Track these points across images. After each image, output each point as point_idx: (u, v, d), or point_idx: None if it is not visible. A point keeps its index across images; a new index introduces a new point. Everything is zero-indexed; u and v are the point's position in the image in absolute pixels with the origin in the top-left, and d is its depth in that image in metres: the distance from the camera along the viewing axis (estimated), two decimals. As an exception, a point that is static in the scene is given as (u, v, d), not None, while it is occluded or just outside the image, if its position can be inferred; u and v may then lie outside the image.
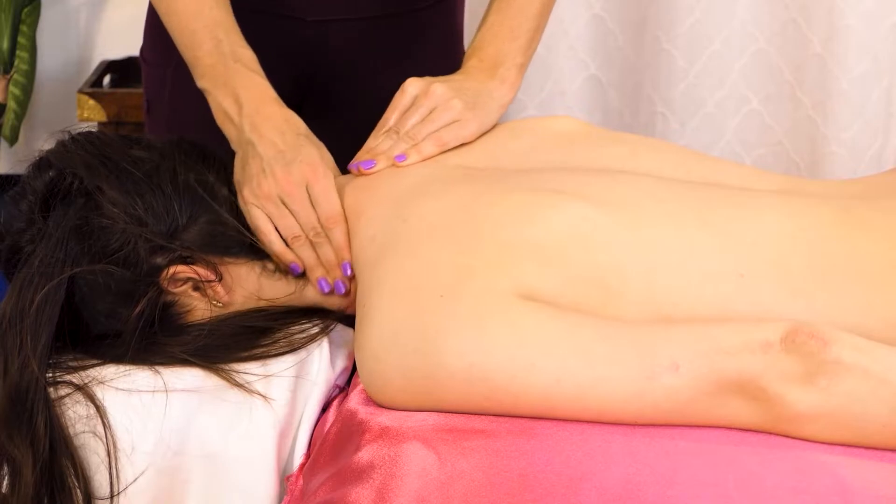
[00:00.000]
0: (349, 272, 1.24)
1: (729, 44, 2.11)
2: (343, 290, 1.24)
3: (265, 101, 1.29)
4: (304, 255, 1.24)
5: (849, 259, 1.13)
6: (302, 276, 1.25)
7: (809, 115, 2.11)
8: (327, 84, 1.56)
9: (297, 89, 1.55)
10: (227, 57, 1.31)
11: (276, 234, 1.23)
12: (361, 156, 1.30)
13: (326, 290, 1.24)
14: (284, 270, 1.25)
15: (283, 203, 1.23)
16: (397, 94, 1.32)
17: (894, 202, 1.19)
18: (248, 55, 1.32)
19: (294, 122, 1.28)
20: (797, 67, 2.10)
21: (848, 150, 2.10)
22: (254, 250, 1.24)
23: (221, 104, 1.29)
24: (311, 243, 1.23)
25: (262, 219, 1.23)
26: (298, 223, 1.23)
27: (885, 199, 1.20)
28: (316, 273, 1.24)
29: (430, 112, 1.30)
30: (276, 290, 1.25)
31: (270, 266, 1.25)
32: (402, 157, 1.27)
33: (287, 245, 1.23)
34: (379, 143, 1.30)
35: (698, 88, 2.13)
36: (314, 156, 1.25)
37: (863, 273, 1.12)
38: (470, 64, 1.38)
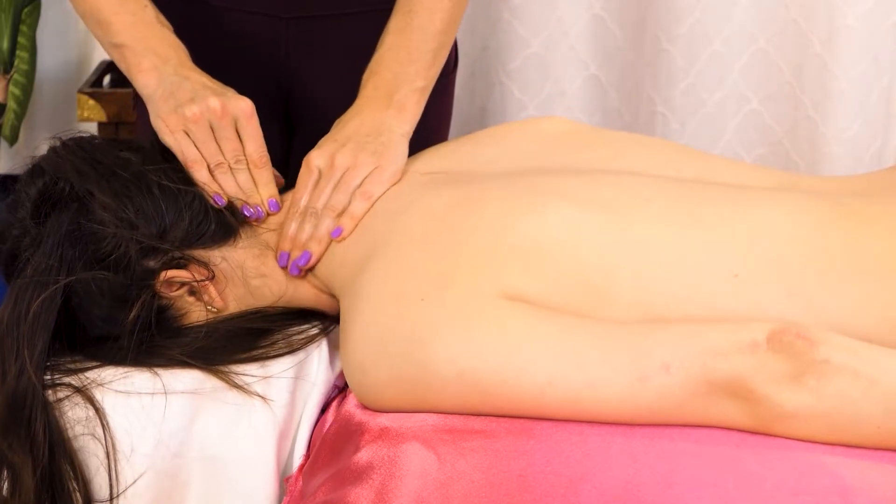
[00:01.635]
0: (275, 208, 1.25)
1: (729, 44, 2.11)
2: (262, 215, 1.25)
3: (189, 60, 1.31)
4: (225, 183, 1.24)
5: (847, 257, 1.12)
6: (216, 220, 1.23)
7: (809, 115, 2.11)
8: (310, 85, 1.55)
9: (278, 95, 1.55)
10: (153, 20, 1.32)
11: (204, 162, 1.23)
12: (288, 248, 1.24)
13: (249, 213, 1.24)
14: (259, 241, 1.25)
15: (212, 129, 1.24)
16: (302, 172, 1.27)
17: (893, 199, 1.19)
18: (169, 25, 1.33)
19: (220, 83, 1.29)
20: (797, 67, 2.10)
21: (848, 150, 2.10)
22: (225, 228, 1.23)
23: (144, 54, 1.29)
24: (232, 171, 1.24)
25: (190, 145, 1.24)
26: (221, 151, 1.24)
27: (884, 195, 1.20)
28: (237, 200, 1.24)
29: (341, 179, 1.25)
30: (262, 268, 1.25)
31: (243, 242, 1.24)
32: (337, 230, 1.23)
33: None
34: (300, 229, 1.24)
35: (698, 88, 2.13)
36: (247, 99, 1.26)
37: (861, 271, 1.11)
38: (365, 92, 1.33)
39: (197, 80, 1.27)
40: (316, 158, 1.27)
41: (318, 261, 1.23)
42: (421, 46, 1.35)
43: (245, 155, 1.25)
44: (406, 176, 1.28)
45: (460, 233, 1.13)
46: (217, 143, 1.25)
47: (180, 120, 1.24)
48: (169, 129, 1.24)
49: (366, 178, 1.25)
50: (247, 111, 1.25)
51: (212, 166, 1.24)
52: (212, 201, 1.23)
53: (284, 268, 1.24)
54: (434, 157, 1.33)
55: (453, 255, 1.11)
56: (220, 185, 1.24)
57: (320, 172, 1.26)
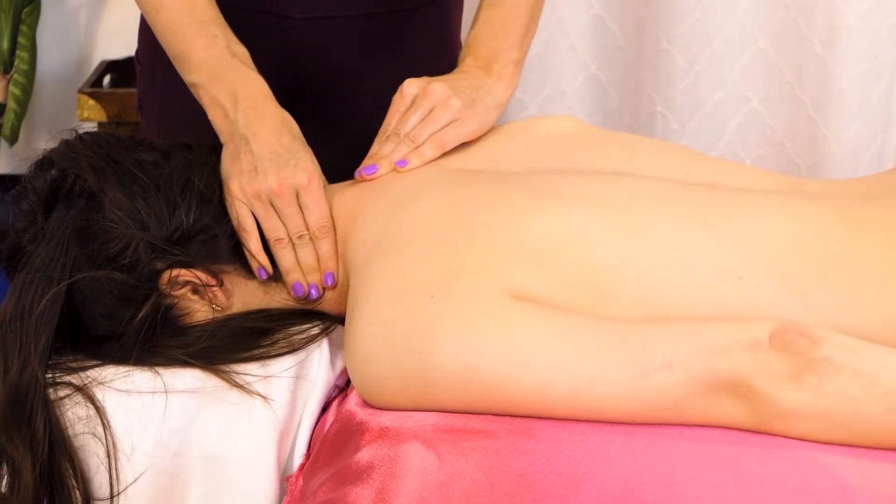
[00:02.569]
0: (331, 282, 1.24)
1: (729, 44, 2.11)
2: (317, 295, 1.24)
3: (262, 98, 1.28)
4: (284, 258, 1.23)
5: (849, 259, 1.12)
6: (271, 279, 1.24)
7: (809, 115, 2.11)
8: (318, 85, 1.55)
9: (287, 91, 1.55)
10: (223, 52, 1.30)
11: (258, 234, 1.22)
12: (365, 161, 1.29)
13: (300, 293, 1.24)
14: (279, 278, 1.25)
15: (272, 204, 1.22)
16: (396, 96, 1.32)
17: (894, 202, 1.19)
18: (243, 52, 1.32)
19: (290, 124, 1.27)
20: (797, 67, 2.10)
21: (848, 150, 2.10)
22: (242, 260, 1.23)
23: (216, 97, 1.27)
24: (293, 247, 1.23)
25: (248, 216, 1.23)
26: (284, 226, 1.23)
27: (886, 198, 1.20)
28: (293, 276, 1.24)
29: (430, 111, 1.29)
30: (276, 298, 1.25)
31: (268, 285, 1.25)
32: (403, 162, 1.27)
33: (264, 248, 1.23)
34: (381, 148, 1.29)
35: (698, 88, 2.13)
36: (309, 162, 1.24)
37: (863, 273, 1.12)
38: (466, 63, 1.37)
39: (263, 140, 1.24)
40: (410, 86, 1.31)
41: (377, 177, 1.26)
42: (514, 21, 1.38)
43: (307, 228, 1.24)
44: (435, 170, 1.29)
45: (470, 230, 1.13)
46: (279, 218, 1.23)
47: (239, 191, 1.23)
48: (230, 194, 1.23)
49: (447, 127, 1.28)
50: (304, 183, 1.23)
51: (271, 242, 1.23)
52: (255, 273, 1.23)
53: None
54: (459, 153, 1.34)
55: (462, 252, 1.11)
56: (278, 261, 1.23)
57: (413, 100, 1.30)
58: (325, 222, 1.24)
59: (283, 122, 1.27)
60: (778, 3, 2.09)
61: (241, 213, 1.23)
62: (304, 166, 1.23)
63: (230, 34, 1.32)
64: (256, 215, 1.23)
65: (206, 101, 1.29)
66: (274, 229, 1.23)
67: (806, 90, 2.11)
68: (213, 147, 1.28)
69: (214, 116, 1.28)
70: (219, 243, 1.22)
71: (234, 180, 1.23)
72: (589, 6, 2.15)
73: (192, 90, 1.30)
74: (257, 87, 1.29)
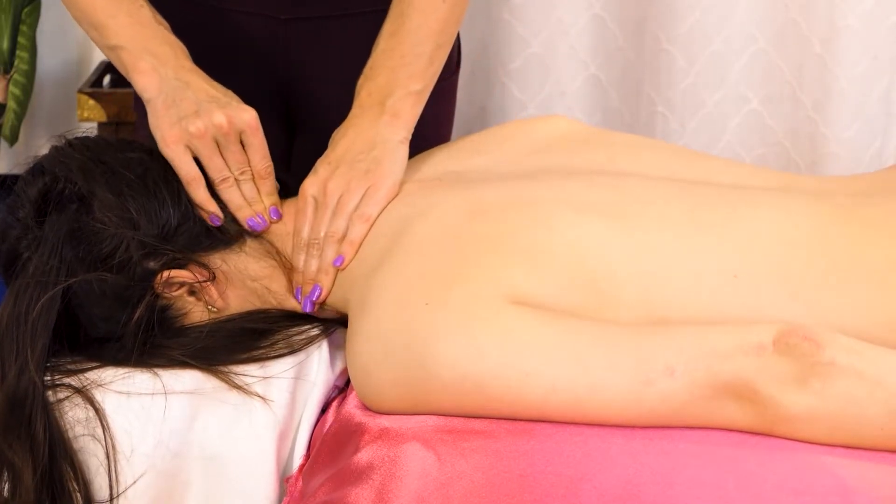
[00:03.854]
0: (277, 216, 1.25)
1: (729, 44, 2.11)
2: (263, 224, 1.24)
3: (188, 60, 1.28)
4: (233, 196, 1.24)
5: (848, 258, 1.12)
6: (219, 230, 1.23)
7: (809, 115, 2.11)
8: (310, 86, 1.54)
9: (278, 95, 1.54)
10: (149, 20, 1.29)
11: (203, 179, 1.22)
12: (300, 283, 1.24)
13: (260, 226, 1.24)
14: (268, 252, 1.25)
15: (216, 143, 1.22)
16: (300, 203, 1.26)
17: (893, 199, 1.19)
18: (167, 24, 1.31)
19: (219, 84, 1.27)
20: (797, 67, 2.10)
21: (848, 150, 2.10)
22: (227, 236, 1.23)
23: (141, 57, 1.26)
24: (237, 183, 1.24)
25: (190, 163, 1.22)
26: (227, 165, 1.23)
27: (885, 195, 1.20)
28: (245, 212, 1.24)
29: (337, 204, 1.24)
30: (271, 293, 1.25)
31: (246, 248, 1.24)
32: (339, 259, 1.22)
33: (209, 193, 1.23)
34: (308, 262, 1.24)
35: (698, 88, 2.13)
36: (248, 106, 1.25)
37: (863, 272, 1.11)
38: (359, 100, 1.31)
39: (199, 86, 1.25)
40: (310, 188, 1.26)
41: (329, 292, 1.23)
42: (415, 49, 1.32)
43: (250, 167, 1.25)
44: (412, 179, 1.27)
45: (466, 238, 1.13)
46: (222, 156, 1.24)
47: (183, 134, 1.22)
48: (169, 142, 1.22)
49: (361, 199, 1.24)
50: (252, 123, 1.24)
51: (217, 182, 1.23)
52: (208, 220, 1.23)
53: (299, 302, 1.25)
54: (439, 158, 1.33)
55: (458, 260, 1.11)
56: (225, 199, 1.24)
57: (316, 201, 1.25)
58: (269, 162, 1.25)
59: (213, 80, 1.27)
60: (778, 3, 2.09)
61: (184, 161, 1.22)
62: (247, 107, 1.24)
63: (153, 8, 1.31)
64: (201, 156, 1.22)
65: (128, 61, 1.26)
66: (220, 168, 1.23)
67: (806, 90, 2.11)
68: None
69: (140, 74, 1.25)
70: (197, 228, 1.23)
71: (174, 126, 1.22)
72: (589, 6, 2.15)
73: (112, 54, 1.28)
74: (183, 51, 1.28)
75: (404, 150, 1.29)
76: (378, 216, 1.23)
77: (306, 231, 1.25)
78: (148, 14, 1.30)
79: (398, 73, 1.30)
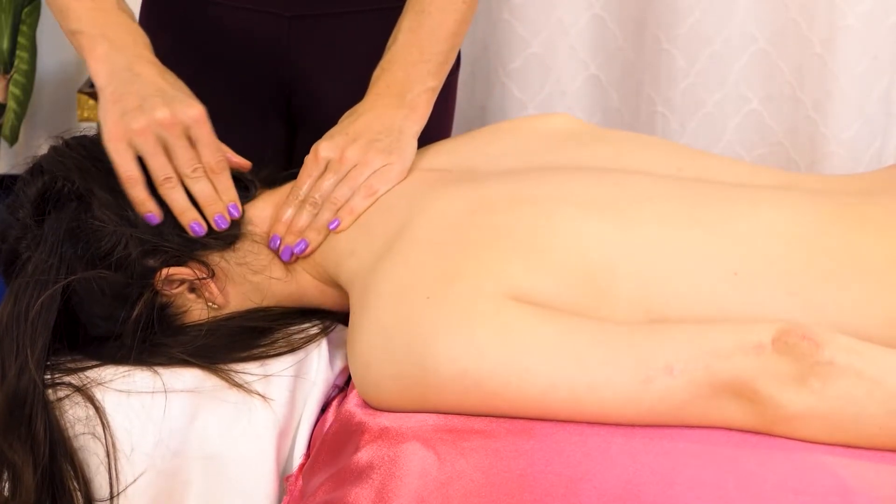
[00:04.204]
0: (237, 213, 1.22)
1: (729, 44, 2.10)
2: (225, 225, 1.21)
3: (146, 48, 1.25)
4: (177, 198, 1.20)
5: (847, 256, 1.12)
6: (157, 228, 1.19)
7: (809, 115, 2.11)
8: (313, 83, 1.54)
9: (280, 92, 1.54)
10: (112, 5, 1.26)
11: (142, 178, 1.18)
12: (282, 233, 1.24)
13: (200, 232, 1.20)
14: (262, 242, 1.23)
15: (160, 140, 1.18)
16: (309, 159, 1.27)
17: (893, 198, 1.19)
18: (131, 12, 1.28)
19: (172, 73, 1.24)
20: (797, 67, 2.10)
21: (848, 150, 2.10)
22: (224, 238, 1.22)
23: (98, 41, 1.23)
24: (184, 184, 1.20)
25: (131, 160, 1.18)
26: (174, 163, 1.19)
27: (885, 195, 1.20)
28: (189, 215, 1.20)
29: (348, 174, 1.25)
30: (270, 289, 1.25)
31: (238, 244, 1.23)
32: (335, 222, 1.23)
33: (149, 191, 1.19)
34: (297, 216, 1.24)
35: (698, 88, 2.13)
36: (196, 100, 1.21)
37: (861, 270, 1.11)
38: (377, 89, 1.33)
39: (149, 79, 1.21)
40: (325, 150, 1.26)
41: (314, 251, 1.23)
42: (433, 47, 1.34)
43: (202, 163, 1.21)
44: (414, 172, 1.28)
45: (468, 233, 1.13)
46: (168, 155, 1.20)
47: (125, 131, 1.18)
48: (111, 138, 1.18)
49: (372, 174, 1.24)
50: (198, 118, 1.20)
51: (158, 182, 1.19)
52: (190, 232, 1.20)
53: (276, 251, 1.24)
54: (442, 154, 1.33)
55: (460, 254, 1.11)
56: (168, 202, 1.19)
57: (328, 164, 1.26)
58: (221, 156, 1.22)
59: (167, 71, 1.24)
60: (778, 3, 2.09)
61: (125, 159, 1.18)
62: (193, 102, 1.21)
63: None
64: (142, 153, 1.18)
65: (85, 44, 1.23)
66: (162, 167, 1.19)
67: (806, 90, 2.10)
68: None
69: (94, 60, 1.22)
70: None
71: (117, 122, 1.18)
72: (589, 6, 2.14)
73: (73, 39, 1.26)
74: (143, 39, 1.26)
75: (416, 144, 1.30)
76: (382, 195, 1.23)
77: (306, 188, 1.25)
78: (112, 1, 1.27)
79: (417, 69, 1.32)
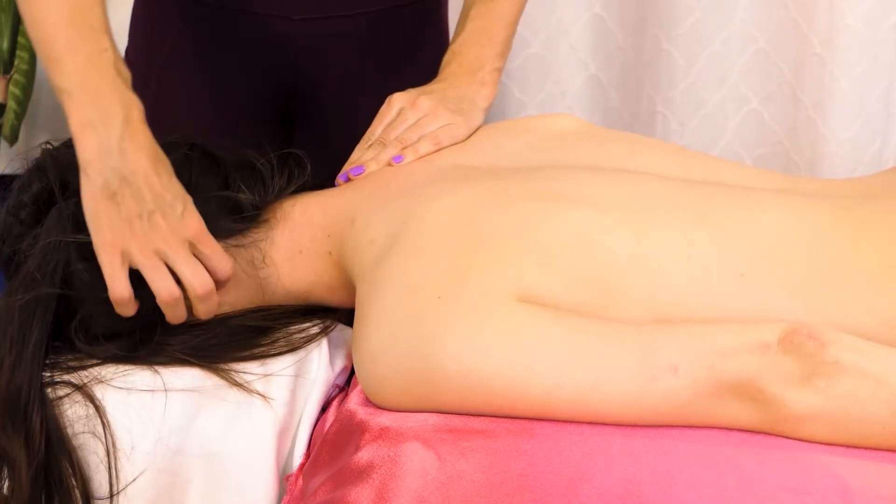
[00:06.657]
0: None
1: (729, 44, 2.11)
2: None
3: (140, 124, 1.16)
4: (177, 315, 1.18)
5: (849, 259, 1.12)
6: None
7: (809, 115, 2.11)
8: (314, 87, 1.55)
9: (281, 93, 1.55)
10: (109, 67, 1.15)
11: (134, 302, 1.15)
12: (349, 165, 1.31)
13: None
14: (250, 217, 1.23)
15: (165, 260, 1.14)
16: (383, 108, 1.35)
17: (893, 201, 1.19)
18: (128, 75, 1.19)
19: (164, 158, 1.17)
20: (797, 67, 2.10)
21: (848, 151, 2.10)
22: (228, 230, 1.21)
23: (85, 110, 1.13)
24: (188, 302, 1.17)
25: (122, 278, 1.13)
26: (185, 282, 1.16)
27: (886, 198, 1.20)
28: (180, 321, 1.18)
29: (418, 121, 1.33)
30: (271, 290, 1.25)
31: (243, 240, 1.23)
32: (399, 157, 1.29)
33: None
34: (365, 153, 1.31)
35: (698, 88, 2.13)
36: (192, 205, 1.17)
37: (863, 273, 1.12)
38: (449, 69, 1.42)
39: (141, 173, 1.13)
40: (399, 99, 1.35)
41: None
42: (500, 33, 1.44)
43: (212, 277, 1.18)
44: (436, 163, 1.30)
45: (482, 230, 1.13)
46: (176, 274, 1.16)
47: (121, 240, 1.12)
48: (105, 246, 1.12)
49: (439, 128, 1.32)
50: (198, 236, 1.16)
51: (164, 300, 1.15)
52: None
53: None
54: (458, 148, 1.34)
55: (473, 252, 1.11)
56: (169, 318, 1.18)
57: (399, 113, 1.33)
58: (230, 274, 1.19)
59: (159, 156, 1.17)
60: (778, 3, 2.09)
61: (119, 276, 1.13)
62: (190, 213, 1.16)
63: (118, 54, 1.18)
64: (146, 274, 1.14)
65: (75, 113, 1.14)
66: (167, 290, 1.15)
67: (806, 90, 2.11)
68: (192, 143, 1.26)
69: (83, 135, 1.13)
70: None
71: (113, 227, 1.12)
72: (589, 6, 2.15)
73: (59, 96, 1.14)
74: (138, 110, 1.16)
75: (483, 119, 1.38)
76: (443, 147, 1.31)
77: (379, 130, 1.33)
78: (110, 60, 1.16)
79: (486, 52, 1.42)
